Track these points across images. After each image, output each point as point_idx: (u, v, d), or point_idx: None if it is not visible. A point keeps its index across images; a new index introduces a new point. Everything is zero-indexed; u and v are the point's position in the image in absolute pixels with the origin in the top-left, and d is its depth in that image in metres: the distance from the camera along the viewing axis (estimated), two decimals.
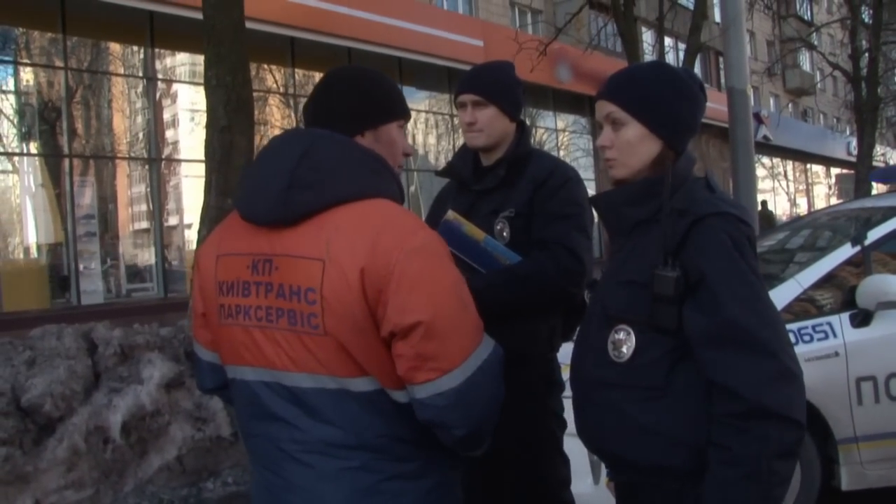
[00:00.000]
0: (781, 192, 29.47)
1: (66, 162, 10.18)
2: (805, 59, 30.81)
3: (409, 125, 1.77)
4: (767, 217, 17.49)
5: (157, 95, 11.34)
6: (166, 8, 10.21)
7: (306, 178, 1.33)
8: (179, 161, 11.61)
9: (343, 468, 1.33)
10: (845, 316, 3.36)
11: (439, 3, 15.90)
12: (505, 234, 2.18)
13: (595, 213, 1.75)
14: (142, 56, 11.12)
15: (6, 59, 10.05)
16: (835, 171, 31.70)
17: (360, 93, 1.49)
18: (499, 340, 1.42)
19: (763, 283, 1.43)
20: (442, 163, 9.04)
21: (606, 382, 1.50)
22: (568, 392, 1.75)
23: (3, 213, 9.94)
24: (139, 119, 11.32)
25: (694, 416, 1.41)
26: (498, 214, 2.20)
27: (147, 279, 11.16)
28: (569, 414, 1.77)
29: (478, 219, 2.18)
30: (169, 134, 11.74)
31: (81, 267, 10.10)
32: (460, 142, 2.44)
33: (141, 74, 11.15)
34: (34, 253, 10.36)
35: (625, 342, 1.47)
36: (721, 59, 20.61)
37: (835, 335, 3.32)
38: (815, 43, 22.54)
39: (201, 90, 6.36)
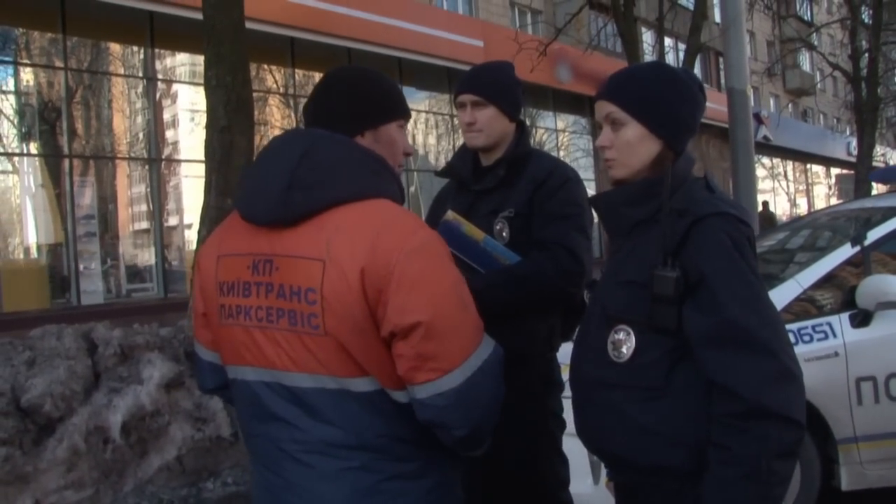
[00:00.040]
0: (781, 192, 29.47)
1: (66, 162, 10.19)
2: (805, 60, 30.82)
3: (409, 125, 1.77)
4: (769, 218, 17.47)
5: (157, 95, 11.34)
6: (166, 8, 10.22)
7: (306, 178, 1.34)
8: (179, 161, 11.61)
9: (343, 468, 1.33)
10: (845, 316, 3.36)
11: (439, 3, 15.90)
12: (504, 234, 2.18)
13: (594, 214, 1.75)
14: (142, 56, 11.12)
15: (6, 59, 10.05)
16: (835, 171, 31.68)
17: (359, 93, 1.49)
18: (498, 340, 1.42)
19: (763, 284, 1.43)
20: (442, 163, 9.04)
21: (606, 383, 1.50)
22: (567, 392, 1.75)
23: (3, 213, 9.94)
24: (139, 119, 11.32)
25: (693, 416, 1.41)
26: (497, 214, 2.20)
27: (147, 279, 11.16)
28: (568, 414, 1.77)
29: (477, 219, 2.18)
30: (169, 134, 11.74)
31: (81, 267, 10.10)
32: (460, 142, 2.44)
33: (141, 74, 11.16)
34: (34, 253, 10.37)
35: (624, 342, 1.48)
36: (721, 60, 20.61)
37: (834, 335, 3.32)
38: (815, 43, 22.55)
39: (201, 90, 6.37)
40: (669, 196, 1.47)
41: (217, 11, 5.63)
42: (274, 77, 12.99)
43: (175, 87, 11.70)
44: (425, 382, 1.30)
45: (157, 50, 11.14)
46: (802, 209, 30.26)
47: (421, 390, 1.30)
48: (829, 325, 3.34)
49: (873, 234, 3.58)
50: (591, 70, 14.18)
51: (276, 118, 13.07)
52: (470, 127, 2.25)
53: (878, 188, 14.07)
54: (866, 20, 17.40)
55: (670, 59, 17.70)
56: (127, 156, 11.16)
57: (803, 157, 30.28)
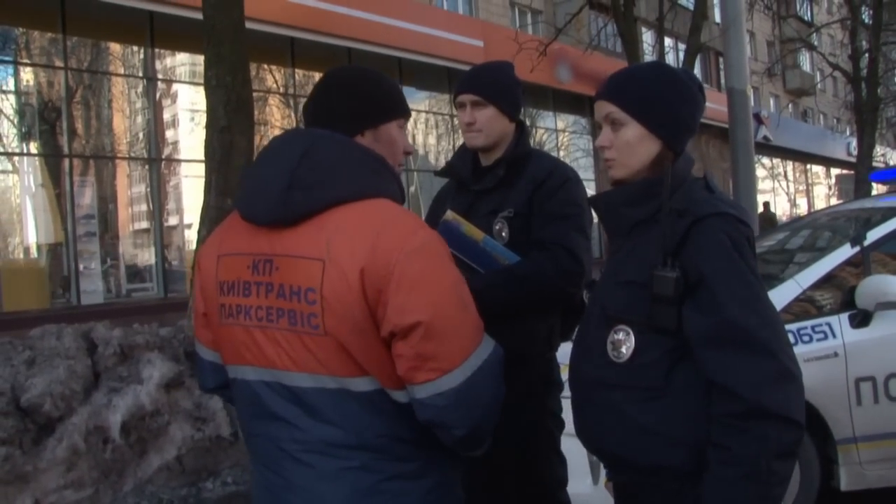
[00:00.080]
0: (781, 192, 29.47)
1: (66, 162, 10.19)
2: (805, 60, 30.82)
3: (409, 125, 1.77)
4: (770, 219, 17.45)
5: (157, 95, 11.34)
6: (166, 8, 10.22)
7: (306, 178, 1.34)
8: (179, 161, 11.61)
9: (343, 468, 1.33)
10: (844, 316, 3.36)
11: (439, 3, 15.90)
12: (504, 234, 2.18)
13: (594, 214, 1.75)
14: (142, 56, 11.12)
15: (6, 59, 10.05)
16: (835, 171, 31.68)
17: (359, 92, 1.49)
18: (498, 340, 1.42)
19: (762, 284, 1.43)
20: (442, 163, 9.05)
21: (606, 383, 1.50)
22: (567, 392, 1.75)
23: (3, 213, 9.94)
24: (139, 119, 11.32)
25: (693, 416, 1.41)
26: (497, 214, 2.20)
27: (147, 279, 11.17)
28: (567, 414, 1.77)
29: (477, 219, 2.18)
30: (169, 134, 11.74)
31: (81, 267, 10.10)
32: (460, 142, 2.44)
33: (141, 74, 11.16)
34: (34, 253, 10.37)
35: (624, 342, 1.48)
36: (721, 60, 20.61)
37: (834, 336, 3.32)
38: (815, 43, 22.56)
39: (201, 90, 6.37)
40: (669, 196, 1.47)
41: (217, 11, 5.63)
42: (274, 77, 13.00)
43: (175, 87, 11.70)
44: (425, 382, 1.30)
45: (157, 50, 11.14)
46: (802, 209, 30.27)
47: (421, 390, 1.30)
48: (829, 325, 3.34)
49: (873, 235, 3.59)
50: (591, 70, 14.19)
51: (276, 118, 13.07)
52: (469, 127, 2.25)
53: (877, 188, 14.06)
54: (866, 20, 17.41)
55: (670, 59, 17.70)
56: (127, 156, 11.16)
57: (803, 158, 30.28)
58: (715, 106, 13.00)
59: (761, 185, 24.46)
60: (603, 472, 2.64)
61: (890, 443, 3.31)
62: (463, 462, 1.47)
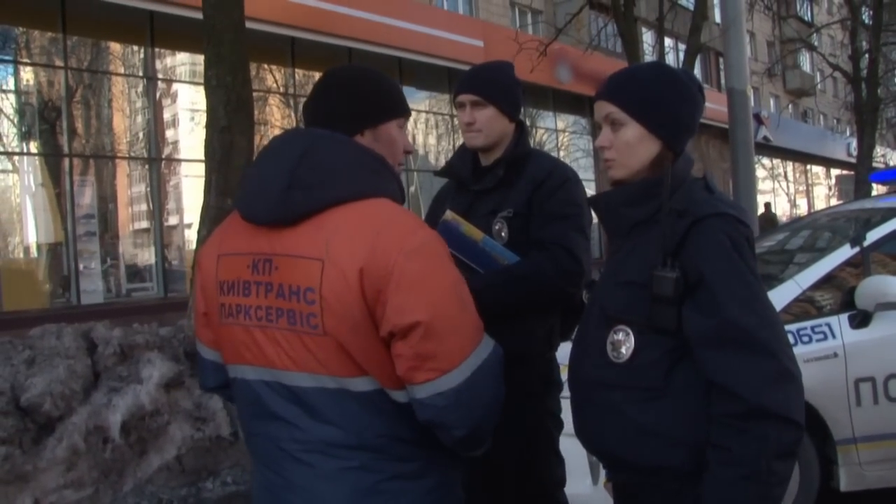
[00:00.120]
0: (781, 193, 29.48)
1: (66, 162, 10.19)
2: (805, 60, 30.82)
3: (409, 125, 1.77)
4: (771, 220, 17.45)
5: (157, 95, 11.35)
6: (166, 8, 10.22)
7: (306, 178, 1.34)
8: (179, 161, 11.61)
9: (343, 468, 1.33)
10: (844, 317, 3.36)
11: (439, 3, 15.90)
12: (503, 234, 2.18)
13: (594, 214, 1.76)
14: (142, 56, 11.12)
15: (6, 58, 10.05)
16: (835, 172, 31.66)
17: (359, 92, 1.49)
18: (497, 340, 1.42)
19: (762, 284, 1.43)
20: (442, 163, 9.03)
21: (605, 383, 1.50)
22: (566, 392, 1.75)
23: (3, 213, 9.94)
24: (139, 119, 11.32)
25: (693, 416, 1.41)
26: (496, 214, 2.20)
27: (147, 279, 11.17)
28: (567, 414, 1.77)
29: (476, 219, 2.18)
30: (169, 134, 11.74)
31: (81, 267, 10.10)
32: (460, 142, 2.44)
33: (141, 74, 11.16)
34: (34, 253, 10.37)
35: (624, 342, 1.48)
36: (721, 60, 20.62)
37: (834, 336, 3.32)
38: (816, 44, 22.56)
39: (201, 90, 6.37)
40: (669, 196, 1.47)
41: (217, 11, 5.63)
42: (274, 77, 13.00)
43: (175, 86, 11.70)
44: (425, 382, 1.30)
45: (157, 49, 11.14)
46: (802, 210, 30.27)
47: (420, 390, 1.30)
48: (829, 325, 3.34)
49: (872, 235, 3.59)
50: (591, 70, 14.19)
51: (276, 118, 13.07)
52: (469, 127, 2.25)
53: (877, 189, 14.06)
54: (866, 21, 17.42)
55: (670, 59, 17.70)
56: (127, 155, 11.16)
57: (803, 158, 30.27)
58: (715, 106, 13.00)
59: (761, 186, 24.46)
60: (602, 472, 2.64)
61: (889, 443, 3.31)
62: (463, 462, 1.47)
